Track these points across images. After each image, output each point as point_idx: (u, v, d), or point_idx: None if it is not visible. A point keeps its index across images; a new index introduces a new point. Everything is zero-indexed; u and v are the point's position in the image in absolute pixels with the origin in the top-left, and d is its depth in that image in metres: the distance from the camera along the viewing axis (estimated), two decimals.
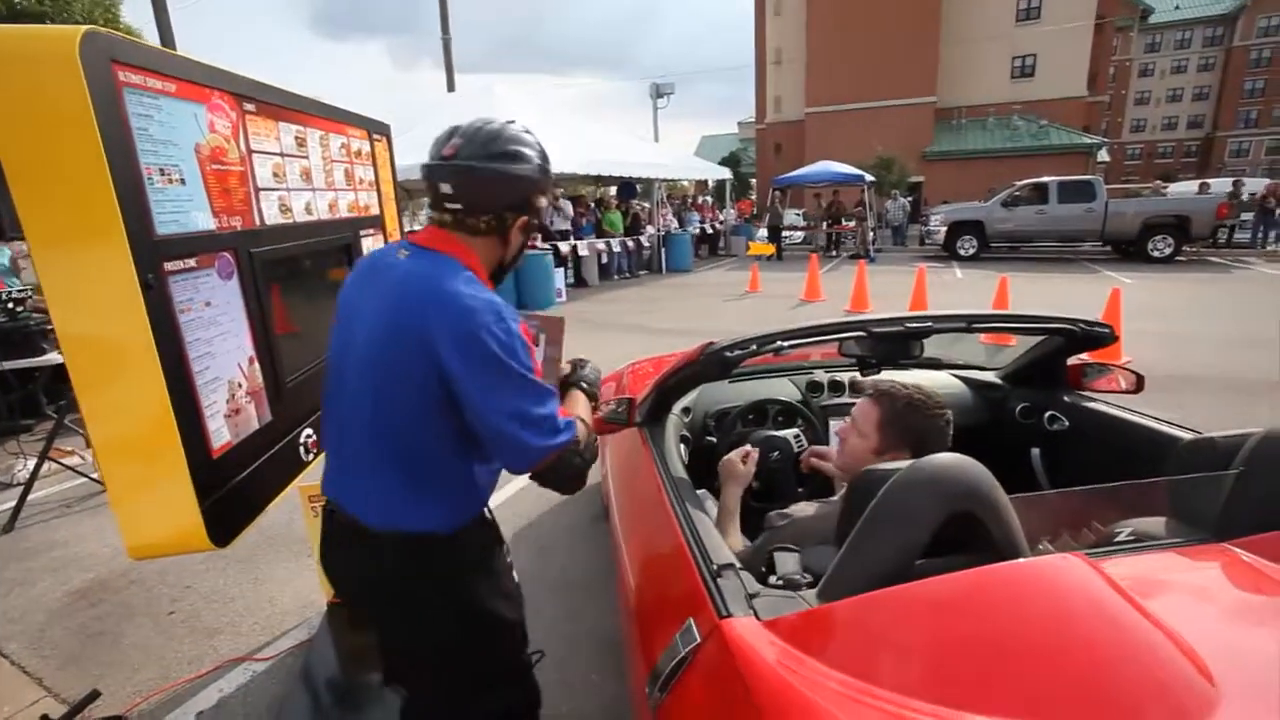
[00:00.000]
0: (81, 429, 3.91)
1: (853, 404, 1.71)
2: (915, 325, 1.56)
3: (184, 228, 1.12)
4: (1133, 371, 1.84)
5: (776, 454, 1.96)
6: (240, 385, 1.25)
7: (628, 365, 3.02)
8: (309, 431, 1.51)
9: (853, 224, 15.37)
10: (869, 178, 15.41)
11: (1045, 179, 12.93)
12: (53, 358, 4.09)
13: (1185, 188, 16.08)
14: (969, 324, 1.61)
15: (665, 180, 13.85)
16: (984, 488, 0.92)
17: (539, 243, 9.80)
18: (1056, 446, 1.93)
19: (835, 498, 1.38)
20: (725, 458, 1.58)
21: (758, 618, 0.91)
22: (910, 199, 19.86)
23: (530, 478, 1.06)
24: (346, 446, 1.06)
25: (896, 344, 1.68)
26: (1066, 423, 1.90)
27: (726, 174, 16.33)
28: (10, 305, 4.23)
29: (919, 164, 24.34)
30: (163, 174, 1.07)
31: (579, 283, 11.26)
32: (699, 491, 1.46)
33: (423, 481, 1.03)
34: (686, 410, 2.14)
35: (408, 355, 0.96)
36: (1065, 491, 1.21)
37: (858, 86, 25.44)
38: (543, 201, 1.13)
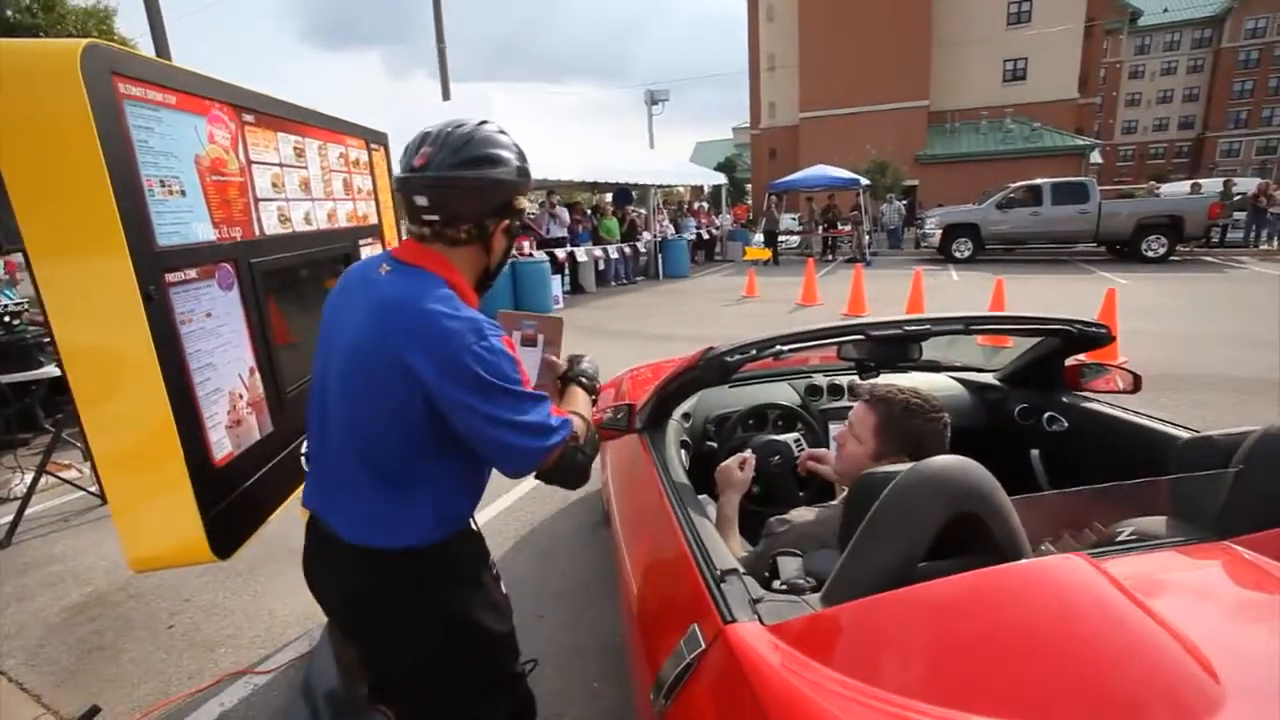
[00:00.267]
0: (79, 442, 3.89)
1: (852, 407, 1.72)
2: (913, 328, 1.57)
3: (185, 239, 1.12)
4: (1130, 371, 1.85)
5: (777, 458, 1.96)
6: (241, 396, 1.25)
7: (627, 371, 3.02)
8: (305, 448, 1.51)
9: (848, 228, 15.42)
10: (864, 181, 15.48)
11: (1039, 181, 13.02)
12: (49, 371, 4.07)
13: (1177, 188, 16.20)
14: (966, 326, 1.62)
15: (661, 186, 13.90)
16: (985, 489, 0.93)
17: (536, 250, 9.81)
18: (1056, 447, 1.94)
19: (835, 502, 1.38)
20: (723, 464, 1.57)
21: (762, 622, 0.90)
22: (905, 202, 19.96)
23: (535, 477, 1.06)
24: (328, 459, 1.05)
25: (895, 347, 1.68)
26: (1065, 423, 1.91)
27: (722, 179, 16.39)
28: (6, 318, 4.22)
29: (913, 167, 24.47)
30: (163, 185, 1.07)
31: (576, 289, 11.28)
32: (700, 497, 1.46)
33: (404, 496, 1.02)
34: (687, 416, 2.14)
35: (389, 377, 0.95)
36: (1066, 492, 1.22)
37: (851, 91, 25.62)
38: (523, 202, 1.10)
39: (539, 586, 2.54)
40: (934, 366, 2.39)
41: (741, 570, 1.05)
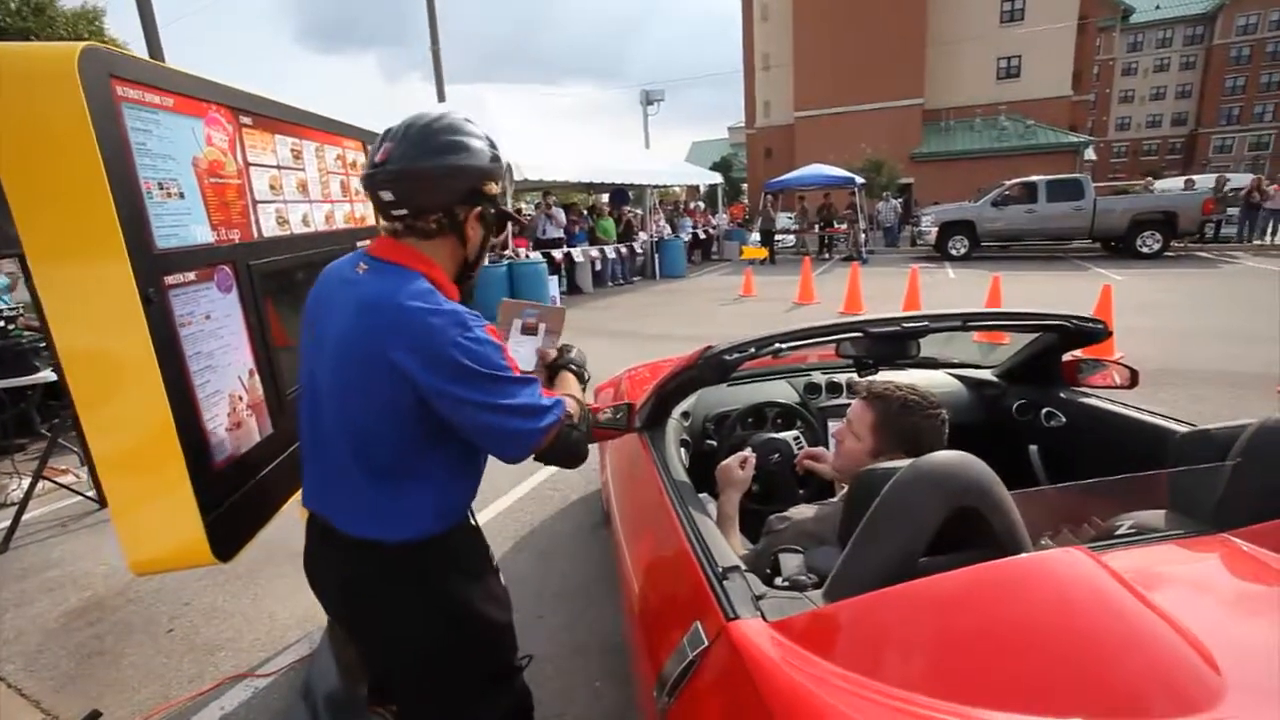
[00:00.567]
0: (75, 447, 3.88)
1: (851, 404, 1.72)
2: (911, 325, 1.57)
3: (183, 241, 1.12)
4: (1127, 367, 1.86)
5: (776, 456, 1.97)
6: (241, 398, 1.25)
7: (625, 371, 3.03)
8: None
9: (844, 227, 15.45)
10: (859, 180, 15.51)
11: (1034, 178, 13.06)
12: (45, 375, 4.05)
13: (1171, 184, 16.28)
14: (964, 322, 1.63)
15: (657, 186, 13.91)
16: (985, 483, 0.93)
17: (533, 252, 9.81)
18: (1054, 443, 1.94)
19: (835, 499, 1.39)
20: (722, 463, 1.58)
21: (765, 619, 0.91)
22: (901, 200, 20.00)
23: (535, 459, 1.06)
24: (325, 458, 1.05)
25: (893, 344, 1.69)
26: (1063, 419, 1.92)
27: (718, 179, 16.40)
28: (1, 324, 4.20)
29: (908, 165, 24.53)
30: (162, 188, 1.07)
31: (573, 290, 11.27)
32: (701, 495, 1.46)
33: (400, 490, 1.03)
34: (686, 414, 2.14)
35: (377, 376, 0.95)
36: (1064, 486, 1.22)
37: (845, 90, 25.66)
38: (495, 188, 1.07)
39: (539, 587, 2.54)
40: (932, 363, 2.40)
41: (743, 567, 1.05)
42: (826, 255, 15.65)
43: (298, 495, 1.46)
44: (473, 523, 1.19)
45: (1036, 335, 1.94)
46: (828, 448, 2.10)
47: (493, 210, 1.09)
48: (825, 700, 0.74)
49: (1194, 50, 49.34)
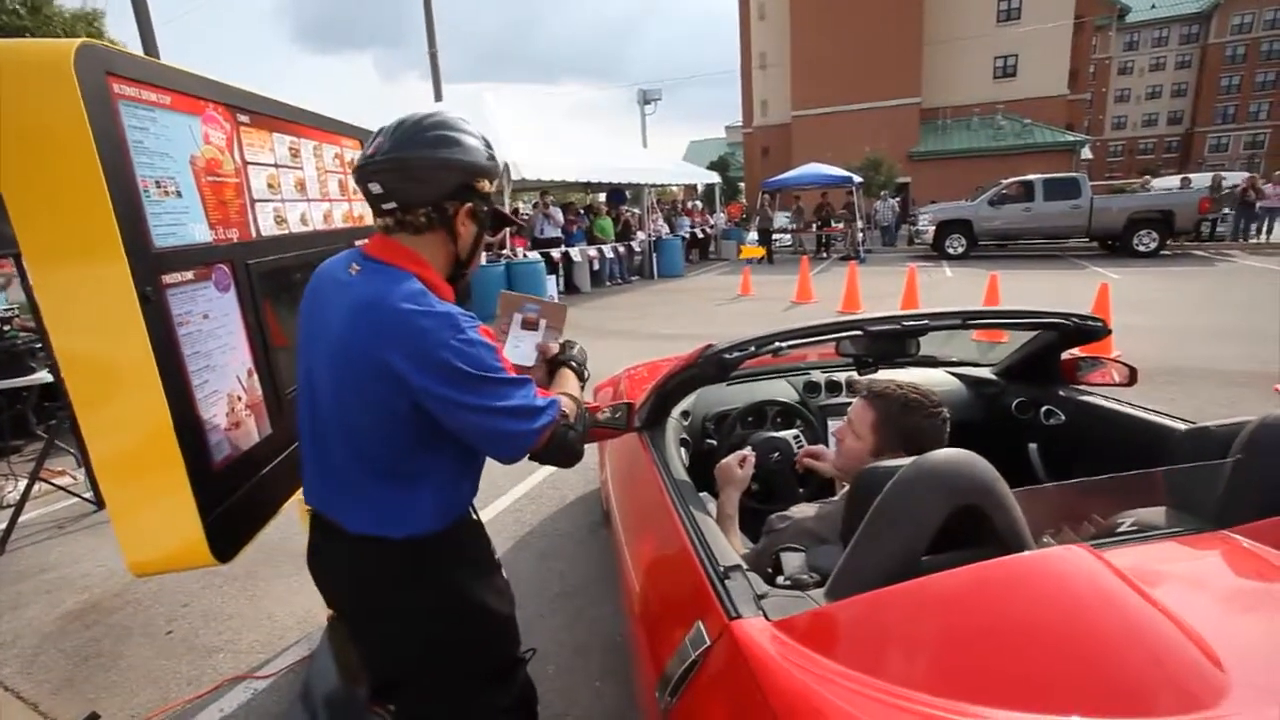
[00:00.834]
0: (72, 448, 3.86)
1: (850, 403, 1.72)
2: (911, 323, 1.57)
3: (181, 240, 1.11)
4: (1125, 364, 1.86)
5: (776, 455, 1.96)
6: (240, 398, 1.25)
7: (624, 371, 3.02)
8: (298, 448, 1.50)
9: (842, 225, 15.46)
10: (857, 179, 15.53)
11: (1031, 177, 13.09)
12: (41, 377, 4.03)
13: (1167, 183, 16.33)
14: (964, 320, 1.62)
15: (655, 186, 13.90)
16: (987, 481, 0.93)
17: (530, 251, 9.80)
18: (1053, 441, 1.95)
19: (836, 498, 1.39)
20: (722, 462, 1.57)
21: (767, 618, 0.90)
22: (898, 199, 20.02)
23: (530, 459, 1.06)
24: (327, 457, 1.05)
25: (893, 342, 1.69)
26: (1063, 417, 1.92)
27: (715, 178, 16.39)
28: None
29: (906, 164, 24.57)
30: (159, 186, 1.06)
31: (571, 289, 11.26)
32: (701, 494, 1.46)
33: (403, 489, 1.03)
34: (685, 414, 2.14)
35: (372, 378, 0.95)
36: (1065, 484, 1.22)
37: (843, 89, 25.68)
38: (487, 185, 1.06)
39: (539, 587, 2.54)
40: (931, 362, 2.40)
41: (745, 567, 1.05)
42: (824, 254, 15.66)
43: (296, 495, 1.46)
44: (475, 518, 1.19)
45: (1036, 333, 1.95)
46: (828, 446, 2.11)
47: (485, 208, 1.08)
48: (829, 699, 0.74)
49: (1189, 49, 49.50)
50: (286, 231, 1.51)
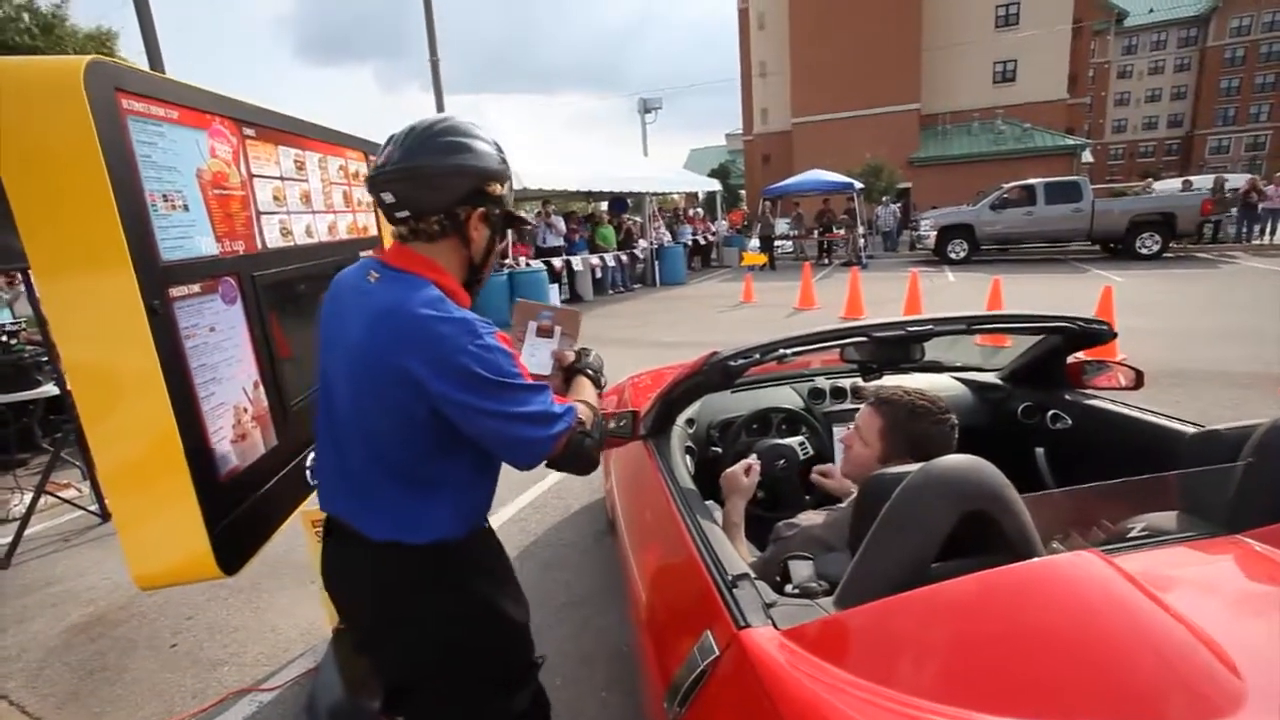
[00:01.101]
0: (78, 461, 3.87)
1: (856, 409, 1.71)
2: (916, 329, 1.57)
3: (188, 253, 1.12)
4: (1132, 368, 1.86)
5: (782, 462, 1.96)
6: (246, 410, 1.25)
7: (628, 379, 3.02)
8: (314, 455, 1.50)
9: (843, 232, 15.49)
10: (858, 185, 15.57)
11: (1032, 181, 13.10)
12: (48, 390, 4.05)
13: (1169, 185, 16.32)
14: (969, 325, 1.62)
15: (656, 194, 13.96)
16: (996, 486, 0.92)
17: (533, 260, 9.83)
18: (1060, 445, 1.94)
19: (843, 504, 1.38)
20: (728, 470, 1.57)
21: (776, 627, 0.90)
22: (899, 205, 20.06)
23: (547, 466, 1.06)
24: (346, 465, 1.06)
25: (897, 348, 1.68)
26: (1069, 421, 1.91)
27: (716, 186, 16.46)
28: (3, 338, 4.20)
29: (906, 170, 24.63)
30: (166, 200, 1.07)
31: (574, 298, 11.29)
32: (707, 502, 1.45)
33: (424, 496, 1.04)
34: (690, 421, 2.14)
35: (391, 385, 0.96)
36: (1073, 489, 1.22)
37: (843, 96, 25.81)
38: (499, 189, 1.06)
39: (544, 596, 2.52)
40: (936, 367, 2.39)
41: (753, 575, 1.04)
42: (826, 260, 15.68)
43: (302, 506, 1.46)
44: (488, 525, 1.19)
45: (1041, 337, 1.94)
46: (833, 453, 2.10)
47: (497, 212, 1.08)
48: (840, 709, 0.73)
49: (1188, 52, 49.64)
50: (292, 243, 1.52)
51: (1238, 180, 15.87)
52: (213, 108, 1.23)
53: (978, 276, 10.61)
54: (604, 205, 14.12)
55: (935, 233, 13.63)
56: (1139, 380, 1.83)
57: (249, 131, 1.35)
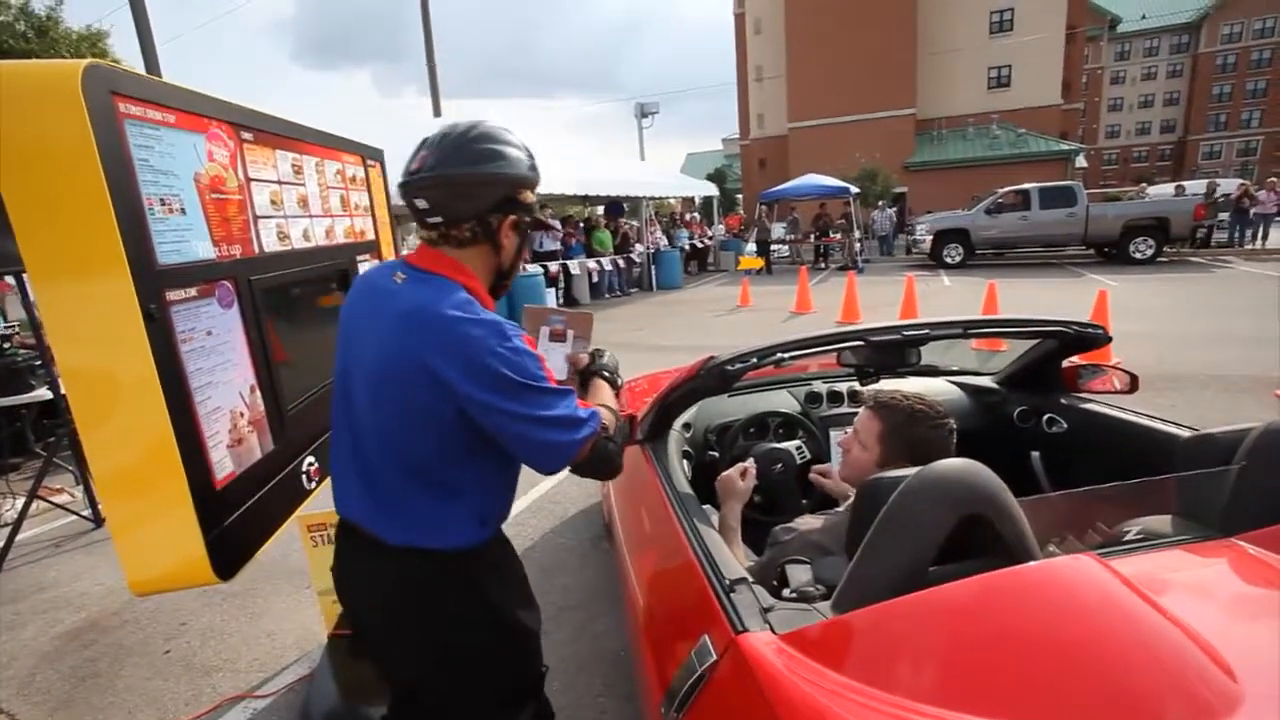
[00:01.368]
0: (70, 466, 3.85)
1: (852, 414, 1.72)
2: (912, 333, 1.58)
3: (185, 257, 1.12)
4: (1127, 371, 1.87)
5: (779, 466, 1.96)
6: (242, 415, 1.24)
7: (624, 383, 3.02)
8: (311, 460, 1.49)
9: (839, 236, 15.55)
10: (854, 189, 15.64)
11: (1027, 186, 13.18)
12: (40, 394, 4.03)
13: (1163, 190, 16.45)
14: (965, 330, 1.63)
15: (653, 198, 13.98)
16: (992, 490, 0.93)
17: (529, 264, 9.83)
18: (1056, 449, 1.94)
19: (841, 509, 1.38)
20: (723, 474, 1.57)
21: (774, 631, 0.90)
22: (895, 209, 20.15)
23: (570, 471, 1.05)
24: (365, 468, 1.05)
25: (894, 352, 1.69)
26: (1065, 425, 1.92)
27: (713, 190, 16.49)
28: None
29: (902, 175, 24.76)
30: (163, 204, 1.07)
31: (570, 302, 11.29)
32: (705, 507, 1.45)
33: (445, 500, 1.03)
34: (687, 426, 2.14)
35: (417, 386, 0.96)
36: (1069, 493, 1.22)
37: (838, 101, 25.95)
38: (530, 197, 1.08)
39: (541, 600, 2.46)
40: (932, 371, 2.40)
41: (751, 580, 1.04)
42: (822, 265, 15.73)
43: (298, 512, 1.45)
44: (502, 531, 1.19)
45: (1036, 342, 1.95)
46: (829, 456, 2.10)
47: (527, 219, 1.09)
48: (838, 713, 0.73)
49: (1180, 58, 50.09)
50: (289, 247, 1.52)
51: (1230, 185, 15.99)
52: (210, 112, 1.23)
53: (973, 281, 10.66)
54: (600, 209, 14.14)
55: (931, 237, 13.69)
56: (1134, 384, 1.84)
57: (246, 135, 1.35)
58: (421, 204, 1.01)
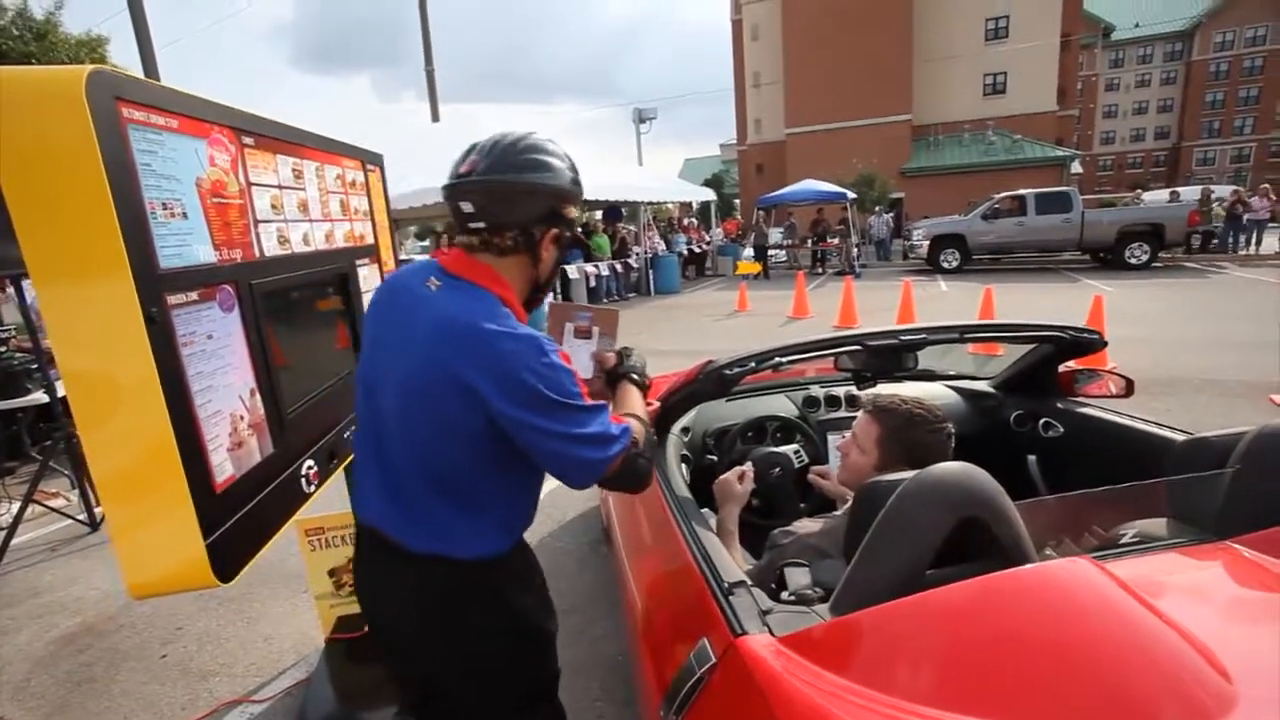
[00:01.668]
0: (66, 470, 3.83)
1: (850, 418, 1.73)
2: (909, 337, 1.59)
3: (186, 261, 1.12)
4: (1123, 376, 1.88)
5: (777, 470, 1.97)
6: (242, 418, 1.24)
7: (651, 382, 3.02)
8: (310, 463, 1.49)
9: (836, 241, 15.60)
10: (851, 195, 15.70)
11: (1023, 191, 13.27)
12: (37, 397, 4.02)
13: (1157, 196, 16.57)
14: (961, 335, 1.64)
15: (651, 203, 14.02)
16: (989, 493, 0.94)
17: None
18: (1052, 453, 1.95)
19: (839, 512, 1.39)
20: (721, 478, 1.57)
21: (773, 634, 0.90)
22: (892, 214, 20.23)
23: (599, 484, 1.05)
24: (390, 474, 1.04)
25: (891, 356, 1.70)
26: (1061, 429, 1.93)
27: (710, 195, 16.55)
28: None
29: (898, 180, 24.88)
30: (165, 208, 1.07)
31: None
32: (703, 510, 1.45)
33: (472, 510, 1.02)
34: (686, 430, 2.14)
35: (450, 397, 0.95)
36: (1065, 496, 1.23)
37: (835, 106, 26.09)
38: (573, 212, 1.07)
39: None
40: (929, 375, 2.41)
41: (749, 582, 1.05)
42: (820, 270, 15.77)
43: (297, 516, 1.45)
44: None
45: (1033, 346, 1.96)
46: (827, 460, 2.11)
47: (568, 234, 1.09)
48: (837, 715, 0.73)
49: (1174, 66, 50.48)
50: (289, 251, 1.52)
51: (1223, 191, 16.12)
52: (212, 117, 1.23)
53: (970, 285, 10.71)
54: (599, 214, 14.18)
55: (928, 242, 13.76)
56: (1129, 388, 1.86)
57: (248, 140, 1.36)
58: (467, 207, 1.01)
